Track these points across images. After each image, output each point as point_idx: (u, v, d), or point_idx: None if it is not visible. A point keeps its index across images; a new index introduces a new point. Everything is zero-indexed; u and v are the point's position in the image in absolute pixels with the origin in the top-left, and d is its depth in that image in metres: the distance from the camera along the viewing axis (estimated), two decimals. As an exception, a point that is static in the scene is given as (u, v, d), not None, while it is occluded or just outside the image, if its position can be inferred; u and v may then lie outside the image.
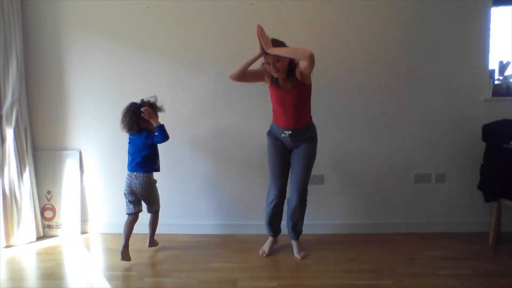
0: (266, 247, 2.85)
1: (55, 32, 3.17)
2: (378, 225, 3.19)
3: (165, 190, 3.26)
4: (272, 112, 2.73)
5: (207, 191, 3.25)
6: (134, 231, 3.25)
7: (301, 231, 2.86)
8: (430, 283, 2.35)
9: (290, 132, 2.60)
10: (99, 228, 3.34)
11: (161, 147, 3.24)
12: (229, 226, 3.26)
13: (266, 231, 2.88)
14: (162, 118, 3.21)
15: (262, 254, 2.80)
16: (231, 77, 2.50)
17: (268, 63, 2.45)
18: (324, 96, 3.11)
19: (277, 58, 2.41)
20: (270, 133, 2.75)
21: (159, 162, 2.86)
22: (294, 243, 2.83)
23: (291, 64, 2.49)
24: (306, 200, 2.77)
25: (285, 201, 2.81)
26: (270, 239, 2.88)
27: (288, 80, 2.52)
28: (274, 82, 2.58)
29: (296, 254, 2.77)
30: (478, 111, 3.06)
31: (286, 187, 2.76)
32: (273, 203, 2.74)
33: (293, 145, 2.66)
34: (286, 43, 2.52)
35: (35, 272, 2.67)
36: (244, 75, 2.49)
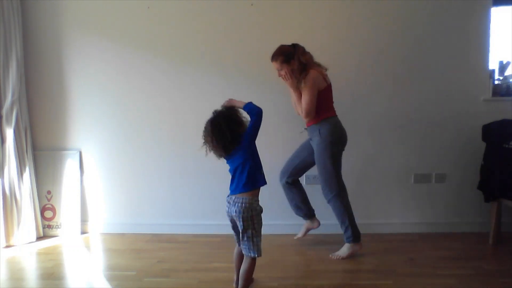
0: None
1: (55, 32, 3.17)
2: (378, 225, 3.19)
3: (166, 189, 3.26)
4: None
5: (207, 191, 3.25)
6: (134, 231, 3.27)
7: (348, 235, 2.74)
8: (430, 283, 2.35)
9: (305, 128, 2.81)
10: (99, 228, 3.33)
11: (162, 147, 3.25)
12: (229, 226, 3.24)
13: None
14: (163, 120, 3.23)
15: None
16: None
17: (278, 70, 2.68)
18: (324, 96, 3.12)
19: (281, 68, 2.62)
20: None
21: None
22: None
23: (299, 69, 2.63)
24: (332, 200, 2.74)
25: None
26: None
27: (299, 83, 2.67)
28: None
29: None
30: (478, 111, 3.06)
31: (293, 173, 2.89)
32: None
33: (313, 145, 2.76)
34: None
35: (35, 272, 2.67)
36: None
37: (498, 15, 3.12)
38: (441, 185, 3.17)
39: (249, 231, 2.06)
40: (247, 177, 2.07)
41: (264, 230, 3.22)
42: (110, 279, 2.46)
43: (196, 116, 3.19)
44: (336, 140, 2.69)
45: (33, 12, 3.15)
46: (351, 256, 2.70)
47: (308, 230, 2.97)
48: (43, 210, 3.28)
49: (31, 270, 2.69)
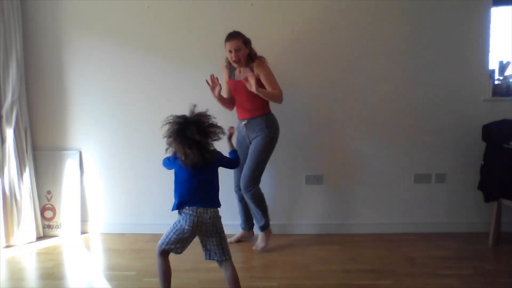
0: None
1: (55, 32, 3.17)
2: (378, 225, 3.19)
3: (166, 190, 3.26)
4: None
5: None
6: (134, 231, 3.27)
7: (262, 224, 2.87)
8: (430, 283, 2.35)
9: (245, 122, 2.78)
10: (99, 228, 3.33)
11: (162, 147, 3.22)
12: (229, 226, 3.20)
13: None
14: (160, 119, 3.22)
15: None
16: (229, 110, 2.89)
17: (230, 51, 2.64)
18: (323, 96, 3.12)
19: (240, 48, 2.62)
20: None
21: None
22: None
23: (249, 55, 2.69)
24: (253, 192, 2.76)
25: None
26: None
27: (244, 71, 2.71)
28: (230, 77, 2.82)
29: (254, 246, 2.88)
30: (478, 111, 3.06)
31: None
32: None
33: (251, 137, 2.77)
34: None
35: (35, 272, 2.67)
36: (227, 102, 2.85)
37: (498, 15, 3.12)
38: (441, 185, 3.17)
39: (223, 234, 2.06)
40: (216, 194, 2.07)
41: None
42: (110, 279, 2.46)
43: (196, 116, 3.21)
44: (277, 136, 2.79)
45: (33, 12, 3.15)
46: (267, 241, 2.84)
47: (243, 237, 3.06)
48: (43, 210, 3.28)
49: (31, 270, 2.69)
